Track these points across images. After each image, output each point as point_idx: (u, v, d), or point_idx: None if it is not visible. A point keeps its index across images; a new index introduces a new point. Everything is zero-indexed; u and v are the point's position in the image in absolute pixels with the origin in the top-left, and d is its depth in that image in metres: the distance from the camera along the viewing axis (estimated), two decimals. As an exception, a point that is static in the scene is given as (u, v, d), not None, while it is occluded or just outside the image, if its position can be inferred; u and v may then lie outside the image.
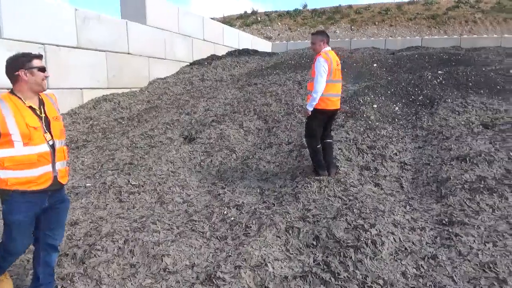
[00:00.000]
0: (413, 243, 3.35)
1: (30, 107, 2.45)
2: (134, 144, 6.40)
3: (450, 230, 3.50)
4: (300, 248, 3.33)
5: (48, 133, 2.50)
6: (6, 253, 2.58)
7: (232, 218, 3.91)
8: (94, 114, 7.97)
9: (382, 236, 3.34)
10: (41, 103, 2.57)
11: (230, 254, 3.25)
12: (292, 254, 3.26)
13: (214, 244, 3.50)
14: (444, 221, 3.69)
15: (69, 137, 6.98)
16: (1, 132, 2.31)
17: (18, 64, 2.42)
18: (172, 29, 11.22)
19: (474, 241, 3.32)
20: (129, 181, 4.86)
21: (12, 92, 2.47)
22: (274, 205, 4.14)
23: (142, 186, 4.83)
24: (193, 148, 6.23)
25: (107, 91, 8.83)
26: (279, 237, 3.46)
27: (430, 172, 4.83)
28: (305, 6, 28.57)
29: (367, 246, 3.21)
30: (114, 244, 3.46)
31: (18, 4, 6.61)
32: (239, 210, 4.10)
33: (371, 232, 3.38)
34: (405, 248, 3.25)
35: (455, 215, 3.75)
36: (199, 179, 5.19)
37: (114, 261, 3.22)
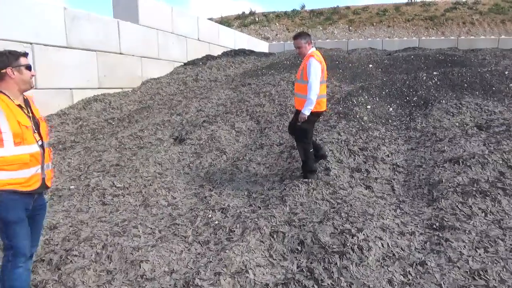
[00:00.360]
0: (401, 248, 3.23)
1: (19, 105, 2.39)
2: (122, 145, 6.28)
3: (441, 235, 3.39)
4: (284, 253, 3.21)
5: (37, 133, 2.45)
6: (15, 256, 2.42)
7: (216, 222, 3.79)
8: (84, 114, 7.84)
9: (369, 241, 3.22)
10: (26, 103, 2.52)
11: (211, 259, 3.13)
12: (276, 260, 3.14)
13: (195, 249, 3.38)
14: (434, 226, 3.57)
15: (57, 138, 6.86)
16: None
17: (5, 61, 2.36)
18: (166, 29, 11.10)
19: (465, 247, 3.20)
20: (113, 183, 4.74)
21: None
22: (260, 208, 4.02)
23: (127, 188, 4.71)
24: (183, 149, 6.11)
25: (98, 91, 8.70)
26: (262, 242, 3.34)
27: (423, 175, 4.71)
28: (303, 6, 28.48)
29: (353, 252, 3.09)
30: (92, 249, 3.34)
31: (4, 4, 6.49)
32: (224, 213, 3.98)
33: (358, 237, 3.26)
34: (393, 254, 3.13)
35: (446, 219, 3.64)
36: (187, 181, 5.06)
37: (90, 267, 3.10)
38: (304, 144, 4.48)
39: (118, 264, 3.16)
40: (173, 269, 3.08)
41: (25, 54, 2.47)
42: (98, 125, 7.51)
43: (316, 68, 4.25)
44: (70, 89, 7.98)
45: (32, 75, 2.48)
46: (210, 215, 3.92)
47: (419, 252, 3.20)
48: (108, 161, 5.63)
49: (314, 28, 25.58)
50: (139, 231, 3.66)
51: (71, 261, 3.19)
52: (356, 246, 3.15)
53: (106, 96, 8.71)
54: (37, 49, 7.10)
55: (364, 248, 3.14)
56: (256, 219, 3.65)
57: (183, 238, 3.56)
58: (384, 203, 4.13)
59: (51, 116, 7.54)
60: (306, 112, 4.29)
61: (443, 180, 4.36)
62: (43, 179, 2.49)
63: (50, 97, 7.51)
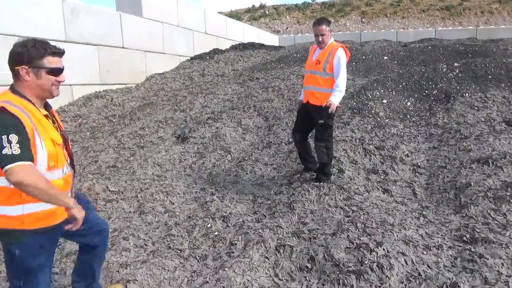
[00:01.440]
0: (428, 266, 2.79)
1: (46, 116, 1.86)
2: (121, 145, 5.91)
3: (473, 250, 2.93)
4: (292, 272, 2.79)
5: (65, 149, 1.95)
6: None
7: (216, 233, 3.38)
8: (84, 111, 7.51)
9: (390, 258, 2.78)
10: (48, 108, 1.96)
11: (207, 280, 2.73)
12: (282, 280, 2.72)
13: (191, 266, 2.98)
14: (465, 238, 3.11)
15: (54, 137, 6.54)
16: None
17: (21, 57, 1.75)
18: (171, 22, 10.70)
19: (503, 265, 2.75)
20: (107, 187, 4.37)
21: (17, 92, 1.79)
22: (265, 216, 3.60)
23: (122, 193, 4.34)
24: (185, 148, 5.72)
25: (100, 87, 8.36)
26: (267, 257, 2.92)
27: (447, 177, 4.24)
28: (314, -2, 27.79)
29: (372, 271, 2.66)
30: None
31: (0, -5, 6.17)
32: (225, 222, 3.57)
33: (377, 253, 2.82)
34: (419, 274, 2.69)
35: (478, 230, 3.17)
36: (187, 184, 4.67)
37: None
38: (328, 142, 4.03)
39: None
40: (164, 291, 2.69)
41: (57, 53, 1.84)
42: (98, 122, 7.17)
43: (345, 61, 3.86)
44: (70, 85, 7.65)
45: (58, 81, 1.86)
46: (209, 225, 3.51)
47: (449, 270, 2.75)
48: (105, 162, 5.27)
49: (325, 20, 24.93)
50: (129, 244, 3.28)
51: (51, 281, 2.82)
52: (375, 264, 2.71)
53: (108, 92, 8.37)
54: (34, 44, 6.77)
55: (385, 266, 2.70)
56: (260, 230, 3.23)
57: (178, 251, 3.16)
58: (405, 210, 3.68)
59: (49, 114, 7.23)
60: (336, 101, 3.75)
61: (472, 184, 3.89)
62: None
63: (49, 94, 7.19)
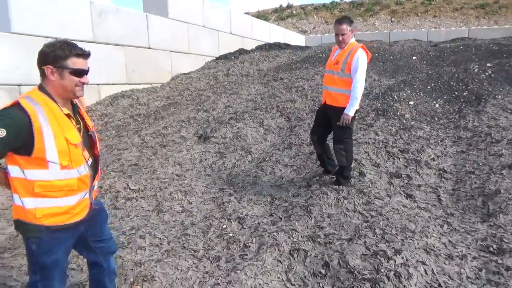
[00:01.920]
0: (449, 277, 2.65)
1: (68, 115, 1.90)
2: (144, 143, 6.00)
3: (500, 261, 2.77)
4: (305, 277, 2.72)
5: (86, 149, 1.96)
6: None
7: (231, 234, 3.35)
8: (110, 111, 7.67)
9: (409, 267, 2.66)
10: (75, 108, 2.01)
11: (219, 282, 2.70)
12: (294, 285, 2.66)
13: (204, 267, 2.96)
14: (491, 248, 2.95)
15: (80, 135, 6.72)
16: (35, 147, 1.74)
17: (47, 57, 1.81)
18: (197, 22, 10.79)
19: (532, 278, 2.58)
20: (128, 185, 4.43)
21: (43, 89, 1.86)
22: (281, 219, 3.54)
23: (142, 191, 4.38)
24: (206, 148, 5.73)
25: (126, 87, 8.53)
26: (280, 261, 2.86)
27: (475, 183, 4.04)
28: (343, -2, 27.38)
29: (388, 280, 2.55)
30: (92, 261, 3.01)
31: (30, -3, 6.39)
32: (240, 223, 3.54)
33: (395, 261, 2.71)
34: (439, 285, 2.56)
35: (506, 240, 3.00)
36: (206, 184, 4.67)
37: (86, 285, 2.76)
38: (347, 145, 3.93)
39: (116, 282, 2.80)
40: (176, 291, 2.68)
41: (82, 54, 1.87)
42: (124, 121, 7.30)
43: (365, 63, 3.75)
44: (98, 84, 7.84)
45: (82, 83, 1.89)
46: (224, 226, 3.49)
47: (472, 282, 2.61)
48: (127, 160, 5.35)
49: (353, 20, 24.54)
50: (145, 242, 3.30)
51: (68, 275, 2.87)
52: (392, 272, 2.60)
53: (134, 92, 8.52)
54: (63, 44, 6.97)
55: (403, 276, 2.59)
56: (275, 233, 3.17)
57: (192, 252, 3.16)
58: (429, 217, 3.53)
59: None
60: (351, 112, 3.73)
61: (501, 191, 3.69)
62: (91, 203, 2.05)
63: (77, 93, 7.39)
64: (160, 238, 3.40)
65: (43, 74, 1.85)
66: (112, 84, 8.18)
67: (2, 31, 6.07)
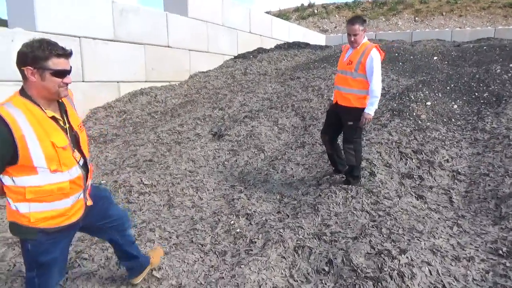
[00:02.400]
0: (455, 278, 2.63)
1: (53, 117, 1.83)
2: (160, 140, 6.12)
3: (508, 265, 2.73)
4: (308, 273, 2.75)
5: (76, 150, 1.93)
6: None
7: (238, 230, 3.40)
8: (129, 107, 7.85)
9: (413, 267, 2.65)
10: (62, 108, 1.94)
11: (223, 275, 2.75)
12: (297, 281, 2.69)
13: (210, 261, 3.02)
14: (500, 251, 2.90)
15: (99, 131, 6.90)
16: (20, 155, 1.70)
17: (25, 57, 1.73)
18: (216, 21, 10.89)
19: (541, 283, 2.53)
20: (141, 180, 4.54)
21: (25, 93, 1.79)
22: (288, 216, 3.57)
23: (155, 186, 4.49)
24: (220, 145, 5.81)
25: (145, 84, 8.70)
26: (284, 257, 2.90)
27: (489, 185, 3.96)
28: (365, -4, 27.03)
29: (391, 279, 2.55)
30: (103, 252, 3.12)
31: (54, -3, 6.61)
32: (248, 220, 3.59)
33: (399, 260, 2.70)
34: (443, 286, 2.54)
35: (517, 244, 2.94)
36: (218, 181, 4.74)
37: (96, 274, 2.87)
38: (357, 144, 3.93)
39: (125, 271, 2.89)
40: (181, 283, 2.75)
41: (63, 54, 1.80)
42: (141, 118, 7.46)
43: (380, 63, 3.73)
44: (117, 82, 8.03)
45: (65, 83, 1.82)
46: (232, 221, 3.54)
47: (477, 284, 2.57)
48: (143, 156, 5.48)
49: (376, 19, 24.23)
50: (155, 235, 3.39)
51: (79, 264, 2.99)
52: (395, 272, 2.60)
53: (153, 89, 8.68)
54: (85, 43, 7.18)
55: (406, 275, 2.58)
56: (281, 230, 3.21)
57: (199, 246, 3.22)
58: (438, 218, 3.49)
59: (97, 108, 7.64)
60: (372, 112, 3.73)
61: (515, 194, 3.61)
62: (86, 203, 2.06)
63: (97, 90, 7.60)
64: (169, 232, 3.49)
65: (23, 76, 1.77)
66: (132, 81, 8.37)
67: (28, 30, 6.31)
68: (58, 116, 1.88)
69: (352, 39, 3.77)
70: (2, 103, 1.74)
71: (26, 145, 1.70)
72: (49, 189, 1.81)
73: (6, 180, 1.78)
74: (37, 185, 1.78)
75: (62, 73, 1.80)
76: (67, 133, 1.89)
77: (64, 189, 1.86)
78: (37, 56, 1.72)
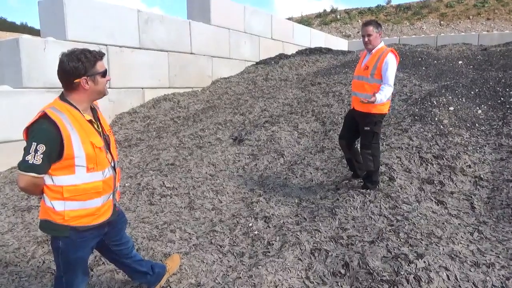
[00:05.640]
0: (473, 284, 2.60)
1: (90, 121, 2.02)
2: (182, 144, 6.27)
3: (529, 272, 2.67)
4: (324, 276, 2.78)
5: (109, 152, 2.11)
6: None
7: (256, 232, 3.47)
8: (153, 113, 8.07)
9: (430, 271, 2.64)
10: (95, 113, 2.13)
11: (240, 275, 2.82)
12: (313, 282, 2.72)
13: (228, 261, 3.10)
14: (522, 258, 2.85)
15: (124, 135, 7.12)
16: (65, 153, 1.86)
17: (81, 70, 1.92)
18: (238, 28, 11.06)
19: None
20: (163, 183, 4.68)
21: (65, 99, 1.97)
22: (305, 219, 3.60)
23: (176, 189, 4.62)
24: (240, 150, 5.90)
25: (168, 91, 8.92)
26: (301, 259, 2.94)
27: (512, 191, 3.88)
28: (389, 1, 26.83)
29: (407, 283, 2.55)
30: (126, 251, 3.24)
31: (82, 8, 6.89)
32: (266, 222, 3.65)
33: (416, 265, 2.70)
34: (461, 291, 2.52)
35: (540, 251, 2.88)
36: (238, 185, 4.82)
37: (120, 271, 2.99)
38: (375, 150, 3.93)
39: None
40: (200, 282, 2.84)
41: (101, 56, 2.03)
42: (164, 123, 7.66)
43: (395, 67, 3.74)
44: (142, 88, 8.28)
45: (108, 80, 2.07)
46: (250, 224, 3.61)
47: (496, 291, 2.54)
48: (165, 160, 5.64)
49: (400, 23, 23.96)
50: (175, 236, 3.49)
51: (103, 262, 3.13)
52: (412, 276, 2.60)
53: (176, 96, 8.89)
54: (112, 51, 7.45)
55: (423, 280, 2.58)
56: (298, 233, 3.25)
57: (218, 247, 3.30)
58: (459, 224, 3.45)
59: (122, 114, 7.89)
60: (379, 98, 3.56)
61: (540, 200, 3.53)
62: (115, 204, 2.20)
63: (123, 96, 7.86)
64: (189, 233, 3.59)
65: (72, 88, 1.95)
66: (156, 88, 8.60)
67: (59, 39, 6.61)
68: (93, 119, 2.06)
69: (366, 39, 3.80)
70: (47, 106, 1.91)
71: (71, 144, 1.86)
72: (84, 188, 1.94)
73: (47, 180, 1.91)
74: (74, 184, 1.92)
75: (106, 73, 2.04)
76: (101, 136, 2.06)
77: (98, 188, 2.00)
78: (88, 66, 1.93)
